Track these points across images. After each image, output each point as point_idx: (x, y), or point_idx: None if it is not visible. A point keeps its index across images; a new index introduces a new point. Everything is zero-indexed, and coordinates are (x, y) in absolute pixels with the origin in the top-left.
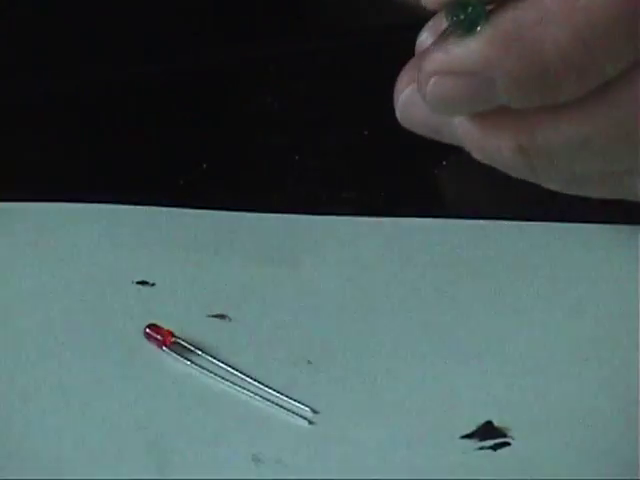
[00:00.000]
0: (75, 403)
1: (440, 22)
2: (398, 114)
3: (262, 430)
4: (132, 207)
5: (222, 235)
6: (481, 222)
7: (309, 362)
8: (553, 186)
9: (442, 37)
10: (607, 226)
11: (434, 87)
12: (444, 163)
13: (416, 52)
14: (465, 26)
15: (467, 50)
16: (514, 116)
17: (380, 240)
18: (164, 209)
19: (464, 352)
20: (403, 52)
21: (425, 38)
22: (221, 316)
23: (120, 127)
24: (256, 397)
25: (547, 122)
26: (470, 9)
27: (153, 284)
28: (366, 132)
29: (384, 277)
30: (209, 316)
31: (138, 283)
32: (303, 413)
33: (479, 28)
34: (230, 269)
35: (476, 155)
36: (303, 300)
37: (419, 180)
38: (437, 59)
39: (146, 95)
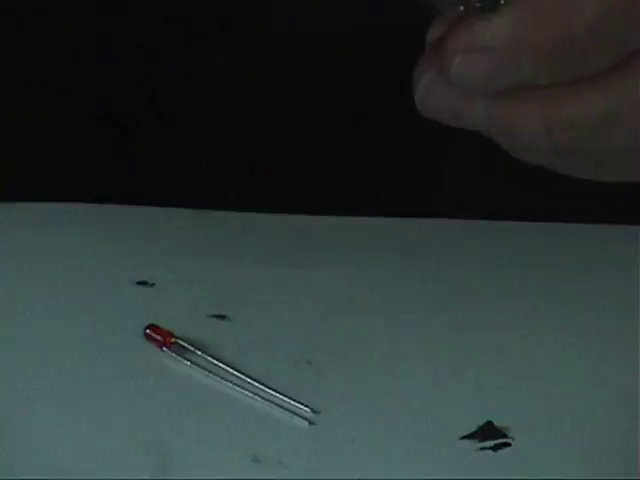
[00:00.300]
0: (75, 403)
1: (453, 14)
2: (417, 102)
3: (262, 430)
4: (132, 207)
5: (222, 235)
6: (481, 222)
7: (309, 362)
8: (572, 170)
9: (464, 17)
10: (607, 226)
11: (459, 66)
12: (444, 163)
13: (427, 43)
14: (488, 2)
15: (492, 27)
16: (538, 92)
17: (380, 240)
18: (164, 209)
19: (464, 352)
20: (403, 52)
21: (437, 30)
22: (221, 316)
23: (120, 127)
24: (256, 397)
25: (572, 96)
26: None
27: (153, 284)
28: (366, 132)
29: (384, 277)
30: (209, 316)
31: (138, 283)
32: (303, 413)
33: (502, 2)
34: (230, 269)
35: (499, 138)
36: (303, 300)
37: (419, 180)
38: (462, 37)
39: (146, 95)
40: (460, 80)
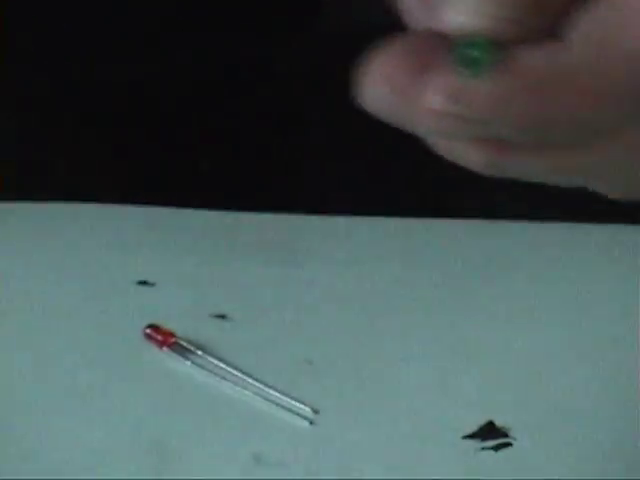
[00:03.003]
0: (75, 403)
1: None
2: (363, 102)
3: (262, 430)
4: (132, 207)
5: (222, 235)
6: (481, 222)
7: (309, 362)
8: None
9: (443, 71)
10: (607, 226)
11: (431, 121)
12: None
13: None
14: (473, 65)
15: (473, 93)
16: (494, 142)
17: (380, 240)
18: (164, 209)
19: (465, 352)
20: None
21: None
22: (221, 316)
23: (120, 127)
24: (257, 397)
25: (525, 153)
26: (479, 48)
27: (153, 284)
28: (366, 132)
29: (384, 277)
30: (210, 316)
31: (138, 283)
32: (304, 413)
33: (487, 68)
34: (230, 269)
35: (439, 152)
36: (303, 300)
37: (419, 180)
38: (440, 99)
39: (146, 95)
40: (428, 131)
